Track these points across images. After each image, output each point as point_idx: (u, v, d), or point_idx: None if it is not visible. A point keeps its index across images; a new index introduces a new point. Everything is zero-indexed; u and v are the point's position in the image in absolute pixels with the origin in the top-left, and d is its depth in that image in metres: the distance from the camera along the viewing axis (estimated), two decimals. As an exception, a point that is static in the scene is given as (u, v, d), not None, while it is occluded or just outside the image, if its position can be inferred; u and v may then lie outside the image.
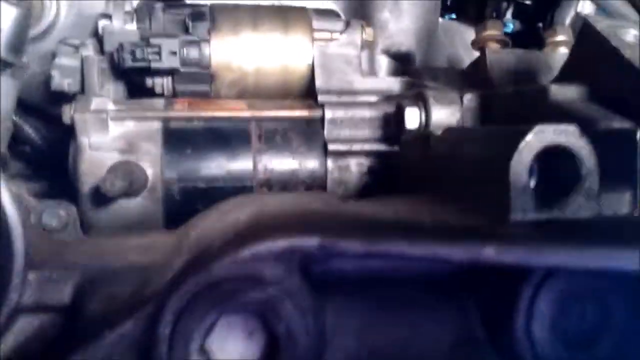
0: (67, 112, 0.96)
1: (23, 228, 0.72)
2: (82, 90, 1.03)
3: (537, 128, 0.60)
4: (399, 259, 0.64)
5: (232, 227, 0.68)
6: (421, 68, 1.25)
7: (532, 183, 0.66)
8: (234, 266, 0.59)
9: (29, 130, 1.26)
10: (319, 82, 1.08)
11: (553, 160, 0.63)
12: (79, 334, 0.66)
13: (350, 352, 0.66)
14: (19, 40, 0.86)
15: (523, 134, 0.60)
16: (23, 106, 1.12)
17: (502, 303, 0.63)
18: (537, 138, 0.60)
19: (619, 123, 0.68)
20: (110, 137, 0.98)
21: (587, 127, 0.64)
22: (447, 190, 0.73)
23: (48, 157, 1.27)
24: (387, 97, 1.09)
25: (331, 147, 1.04)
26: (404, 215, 0.67)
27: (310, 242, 0.59)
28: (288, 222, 0.66)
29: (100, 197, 0.96)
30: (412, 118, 0.97)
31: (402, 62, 1.29)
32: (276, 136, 1.04)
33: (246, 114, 1.04)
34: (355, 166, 1.06)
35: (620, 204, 0.63)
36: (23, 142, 1.27)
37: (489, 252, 0.52)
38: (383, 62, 1.28)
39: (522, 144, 0.59)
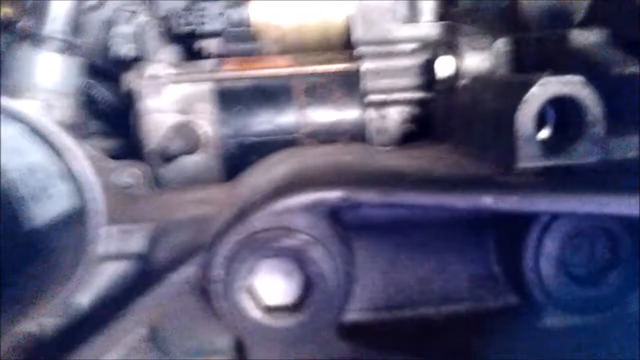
0: (125, 81, 1.06)
1: (102, 190, 0.84)
2: (140, 54, 1.13)
3: (542, 80, 0.63)
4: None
5: (271, 182, 0.77)
6: (464, 9, 1.25)
7: (549, 129, 0.70)
8: (270, 218, 0.68)
9: (104, 91, 1.38)
10: (356, 34, 1.12)
11: (566, 108, 0.67)
12: (151, 278, 0.78)
13: (378, 289, 0.75)
14: (74, 21, 0.97)
15: (529, 85, 0.64)
16: (96, 70, 1.24)
17: (514, 242, 0.69)
18: (542, 89, 0.64)
19: (631, 68, 0.69)
20: (167, 99, 1.08)
21: (601, 73, 0.66)
22: (467, 140, 0.78)
23: (124, 115, 1.39)
24: (425, 44, 1.12)
25: (370, 97, 1.09)
26: (423, 166, 0.73)
27: (334, 194, 0.67)
28: (319, 176, 0.74)
29: (163, 156, 1.08)
30: (443, 66, 1.00)
31: (446, 4, 1.29)
32: (318, 89, 1.10)
33: (289, 70, 1.11)
34: (395, 114, 1.10)
35: (628, 148, 0.66)
36: (100, 102, 1.40)
37: (488, 201, 0.58)
38: (427, 6, 1.28)
39: (527, 96, 0.63)
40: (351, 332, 0.73)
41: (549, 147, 0.65)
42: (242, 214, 0.72)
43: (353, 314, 0.74)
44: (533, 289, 0.68)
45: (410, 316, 0.74)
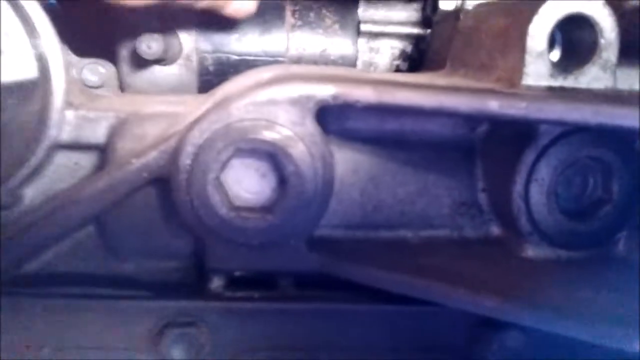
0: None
1: (65, 71, 0.76)
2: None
3: (560, -6, 0.59)
4: (411, 119, 0.66)
5: (256, 82, 0.71)
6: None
7: (558, 53, 0.66)
8: (251, 108, 0.62)
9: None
10: (356, -41, 1.06)
11: (577, 31, 0.63)
12: (110, 167, 0.71)
13: (355, 206, 0.70)
14: None
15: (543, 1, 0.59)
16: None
17: (505, 166, 0.65)
18: (559, 4, 0.59)
19: (650, 0, 0.66)
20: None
21: (619, 2, 0.63)
22: (467, 63, 0.73)
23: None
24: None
25: (364, 27, 1.03)
26: (421, 79, 0.69)
27: (326, 90, 0.61)
28: (309, 74, 0.68)
29: (137, 60, 1.00)
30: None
31: None
32: (310, 13, 1.04)
33: (282, -13, 1.04)
34: (387, 49, 1.05)
35: (637, 80, 0.63)
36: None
37: (493, 105, 0.54)
38: None
39: (543, 8, 0.59)
40: (322, 247, 0.68)
41: (558, 68, 0.61)
42: (221, 105, 0.66)
43: (326, 230, 0.70)
44: (520, 217, 0.64)
45: (385, 237, 0.70)
